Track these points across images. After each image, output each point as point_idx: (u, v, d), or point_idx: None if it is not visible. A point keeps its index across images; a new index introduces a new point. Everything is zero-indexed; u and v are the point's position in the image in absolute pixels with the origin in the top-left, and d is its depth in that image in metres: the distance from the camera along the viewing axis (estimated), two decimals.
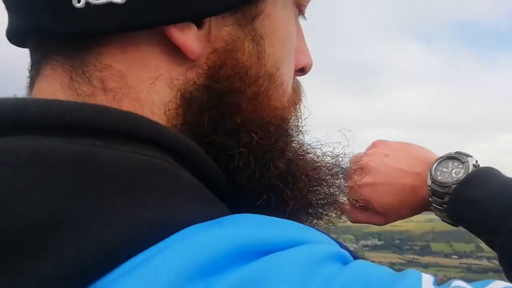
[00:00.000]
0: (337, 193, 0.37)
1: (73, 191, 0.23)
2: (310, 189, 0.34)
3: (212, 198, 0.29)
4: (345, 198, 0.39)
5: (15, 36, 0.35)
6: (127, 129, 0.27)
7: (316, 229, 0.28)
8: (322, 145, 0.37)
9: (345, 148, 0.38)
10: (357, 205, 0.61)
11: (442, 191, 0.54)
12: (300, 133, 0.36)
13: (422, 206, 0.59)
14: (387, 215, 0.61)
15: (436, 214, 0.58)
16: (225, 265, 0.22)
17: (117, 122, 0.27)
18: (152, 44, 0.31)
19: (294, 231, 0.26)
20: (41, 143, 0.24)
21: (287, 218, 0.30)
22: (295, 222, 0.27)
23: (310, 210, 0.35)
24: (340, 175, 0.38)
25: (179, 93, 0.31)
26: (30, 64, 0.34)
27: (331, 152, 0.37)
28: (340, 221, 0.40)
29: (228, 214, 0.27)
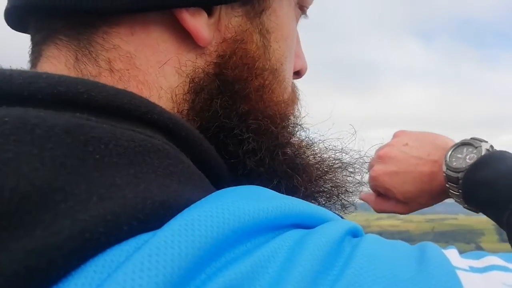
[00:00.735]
0: (343, 184, 0.37)
1: (67, 162, 0.20)
2: (318, 178, 0.35)
3: (211, 188, 0.27)
4: (352, 190, 0.39)
5: (15, 16, 0.33)
6: (125, 107, 0.25)
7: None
8: (325, 140, 0.37)
9: (349, 143, 0.38)
10: (378, 193, 0.63)
11: (456, 176, 0.55)
12: (301, 129, 0.37)
13: (441, 193, 0.60)
14: (408, 203, 0.62)
15: (456, 201, 0.58)
16: (248, 238, 0.20)
17: (114, 99, 0.25)
18: (162, 28, 0.31)
19: (310, 206, 0.25)
20: (30, 113, 0.22)
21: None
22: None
23: (318, 199, 0.36)
24: (345, 168, 0.38)
25: (187, 79, 0.31)
26: (31, 47, 0.33)
27: (334, 146, 0.38)
28: (346, 212, 0.40)
29: None
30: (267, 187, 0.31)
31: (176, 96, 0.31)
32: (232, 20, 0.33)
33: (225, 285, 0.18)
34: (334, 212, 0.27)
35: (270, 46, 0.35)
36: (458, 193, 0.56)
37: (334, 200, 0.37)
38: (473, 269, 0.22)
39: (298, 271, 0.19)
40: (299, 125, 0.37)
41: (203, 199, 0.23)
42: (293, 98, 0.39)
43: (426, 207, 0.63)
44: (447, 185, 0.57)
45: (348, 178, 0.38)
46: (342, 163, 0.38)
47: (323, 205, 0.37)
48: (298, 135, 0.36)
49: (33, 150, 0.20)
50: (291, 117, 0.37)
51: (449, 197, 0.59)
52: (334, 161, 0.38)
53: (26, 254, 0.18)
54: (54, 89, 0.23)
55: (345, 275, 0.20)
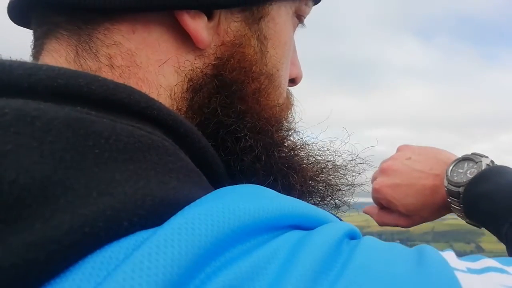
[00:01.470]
0: (336, 185, 0.38)
1: (67, 156, 0.20)
2: (311, 178, 0.35)
3: (209, 186, 0.27)
4: (346, 190, 0.40)
5: (18, 10, 0.34)
6: (125, 102, 0.25)
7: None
8: (318, 142, 0.38)
9: (343, 144, 0.39)
10: (381, 206, 0.65)
11: (457, 190, 0.56)
12: (294, 132, 0.38)
13: (443, 207, 0.61)
14: (411, 216, 0.63)
15: (458, 215, 0.59)
16: (247, 237, 0.20)
17: (114, 93, 0.25)
18: (163, 28, 0.32)
19: (309, 206, 0.25)
20: (29, 105, 0.21)
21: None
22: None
23: (312, 199, 0.36)
24: (338, 169, 0.39)
25: (186, 79, 0.32)
26: (33, 41, 0.34)
27: (328, 148, 0.38)
28: (341, 212, 0.41)
29: None
30: (263, 184, 0.31)
31: (174, 94, 0.32)
32: (231, 24, 0.34)
33: (225, 284, 0.18)
34: (333, 214, 0.27)
35: (267, 52, 0.36)
36: (459, 208, 0.57)
37: (327, 200, 0.38)
38: (470, 271, 0.22)
39: (298, 272, 0.19)
40: (293, 129, 0.38)
41: (203, 197, 0.23)
42: (288, 104, 0.40)
43: (428, 221, 0.63)
44: (448, 199, 0.58)
45: (341, 179, 0.39)
46: (335, 164, 0.39)
47: (317, 205, 0.37)
48: (292, 138, 0.37)
49: (32, 143, 0.20)
50: (285, 122, 0.38)
51: (451, 211, 0.60)
52: (327, 162, 0.38)
53: (25, 247, 0.17)
54: (54, 82, 0.23)
55: (344, 275, 0.20)
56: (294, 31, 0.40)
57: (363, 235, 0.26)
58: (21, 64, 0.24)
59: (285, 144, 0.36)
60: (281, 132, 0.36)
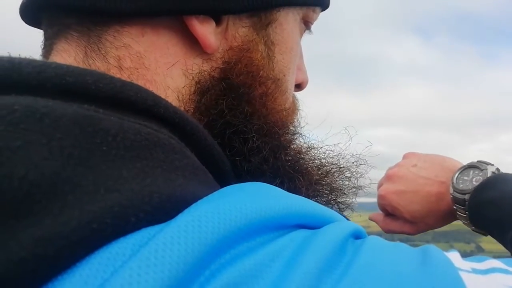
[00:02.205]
0: (341, 188, 0.39)
1: (75, 153, 0.21)
2: (316, 181, 0.36)
3: (215, 184, 0.27)
4: (349, 193, 0.40)
5: (30, 11, 0.34)
6: (132, 99, 0.25)
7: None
8: (323, 145, 0.39)
9: (346, 146, 0.40)
10: (386, 213, 0.65)
11: (462, 197, 0.56)
12: (300, 136, 0.38)
13: (449, 215, 0.61)
14: (416, 223, 0.63)
15: (463, 223, 0.59)
16: (253, 235, 0.20)
17: (122, 90, 0.25)
18: (172, 32, 0.32)
19: (316, 205, 0.25)
20: (38, 102, 0.22)
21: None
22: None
23: (318, 202, 0.36)
24: (342, 172, 0.39)
25: (194, 81, 0.33)
26: (43, 42, 0.34)
27: (332, 151, 0.39)
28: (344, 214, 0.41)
29: None
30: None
31: (182, 96, 0.33)
32: (239, 30, 0.34)
33: (229, 281, 0.18)
34: (340, 213, 0.27)
35: (274, 57, 0.36)
36: (465, 215, 0.57)
37: (331, 203, 0.38)
38: (475, 271, 0.22)
39: (302, 270, 0.19)
40: (299, 133, 0.39)
41: (210, 195, 0.23)
42: (294, 109, 0.41)
43: (434, 228, 0.63)
44: (454, 206, 0.58)
45: (345, 182, 0.39)
46: (339, 167, 0.39)
47: None
48: (297, 141, 0.38)
49: (42, 140, 0.20)
50: (291, 126, 0.38)
51: (456, 219, 0.60)
52: (331, 166, 0.39)
53: (34, 242, 0.18)
54: (63, 79, 0.24)
55: (349, 274, 0.20)
56: (301, 37, 0.41)
57: None
58: (30, 62, 0.24)
59: (291, 147, 0.36)
60: (288, 136, 0.36)
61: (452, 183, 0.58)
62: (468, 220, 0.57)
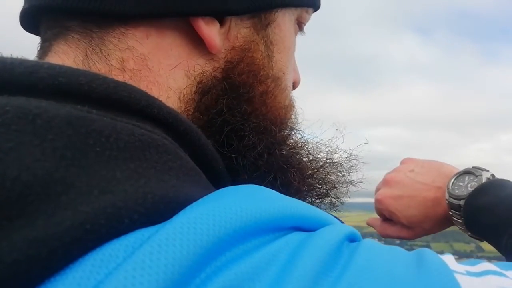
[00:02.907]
0: (333, 182, 0.40)
1: (68, 154, 0.21)
2: (310, 175, 0.37)
3: (209, 185, 0.27)
4: (342, 188, 0.41)
5: (29, 15, 0.34)
6: (125, 100, 0.25)
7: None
8: (317, 140, 0.40)
9: (339, 143, 0.41)
10: (384, 218, 0.66)
11: (458, 203, 0.57)
12: (297, 132, 0.39)
13: (445, 220, 0.61)
14: (413, 228, 0.64)
15: (460, 229, 0.60)
16: (249, 238, 0.20)
17: (115, 91, 0.25)
18: (177, 33, 0.33)
19: (310, 208, 0.25)
20: (31, 103, 0.22)
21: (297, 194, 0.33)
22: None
23: (310, 196, 0.38)
24: (335, 167, 0.40)
25: (195, 82, 0.34)
26: (40, 43, 0.34)
27: (326, 146, 0.40)
28: (338, 210, 0.42)
29: None
30: (264, 181, 0.33)
31: (183, 96, 0.33)
32: (241, 30, 0.35)
33: (225, 284, 0.18)
34: (334, 216, 0.27)
35: (274, 56, 0.38)
36: (460, 221, 0.58)
37: (324, 197, 0.39)
38: (470, 273, 0.23)
39: (298, 273, 0.19)
40: (295, 129, 0.40)
41: (205, 197, 0.23)
42: (291, 106, 0.41)
43: (431, 233, 0.64)
44: (450, 212, 0.59)
45: (338, 177, 0.40)
46: (332, 162, 0.40)
47: (314, 202, 0.39)
48: (293, 137, 0.39)
49: (34, 141, 0.20)
50: (289, 122, 0.39)
51: (453, 224, 0.60)
52: (325, 160, 0.40)
53: (27, 243, 0.18)
54: (55, 80, 0.24)
55: (345, 276, 0.20)
56: (295, 37, 0.42)
57: (363, 235, 0.26)
58: (22, 62, 0.24)
59: (287, 143, 0.37)
60: (284, 132, 0.37)
61: (448, 188, 0.58)
62: (463, 225, 0.58)
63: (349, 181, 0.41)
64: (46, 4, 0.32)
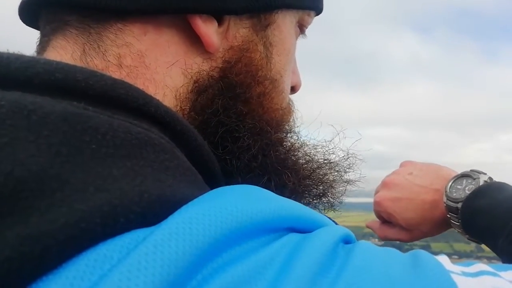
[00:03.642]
0: (330, 183, 0.39)
1: (63, 151, 0.20)
2: (306, 176, 0.37)
3: (204, 185, 0.27)
4: (339, 188, 0.41)
5: (29, 8, 0.34)
6: (122, 98, 0.25)
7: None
8: (315, 142, 0.40)
9: (337, 142, 0.41)
10: (383, 220, 0.66)
11: (455, 206, 0.57)
12: (294, 133, 0.39)
13: (443, 223, 0.61)
14: (411, 231, 0.64)
15: (458, 231, 0.60)
16: (245, 239, 0.20)
17: (112, 88, 0.25)
18: (174, 31, 0.33)
19: (306, 209, 0.25)
20: (26, 98, 0.21)
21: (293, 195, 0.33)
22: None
23: (307, 197, 0.38)
24: (332, 168, 0.40)
25: (192, 80, 0.33)
26: (39, 38, 0.34)
27: (323, 147, 0.40)
28: (336, 217, 0.41)
29: None
30: (259, 183, 0.32)
31: (180, 95, 0.33)
32: (240, 30, 0.35)
33: (222, 287, 0.18)
34: (329, 218, 0.27)
35: (272, 58, 0.37)
36: (458, 223, 0.58)
37: (321, 197, 0.39)
38: (465, 274, 0.23)
39: (296, 274, 0.19)
40: (293, 131, 0.40)
41: (200, 197, 0.23)
42: (289, 109, 0.41)
43: (429, 236, 0.64)
44: (448, 215, 0.59)
45: (335, 177, 0.40)
46: (330, 162, 0.40)
47: (311, 203, 0.39)
48: (290, 139, 0.38)
49: (29, 136, 0.20)
50: (286, 125, 0.39)
51: (451, 227, 0.61)
52: (322, 161, 0.39)
53: (20, 240, 0.17)
54: (52, 76, 0.23)
55: (342, 277, 0.20)
56: (296, 40, 0.42)
57: (363, 236, 0.26)
58: (18, 57, 0.24)
59: (283, 144, 0.37)
60: (281, 134, 0.37)
61: (445, 191, 0.59)
62: (461, 228, 0.58)
63: (347, 180, 0.41)
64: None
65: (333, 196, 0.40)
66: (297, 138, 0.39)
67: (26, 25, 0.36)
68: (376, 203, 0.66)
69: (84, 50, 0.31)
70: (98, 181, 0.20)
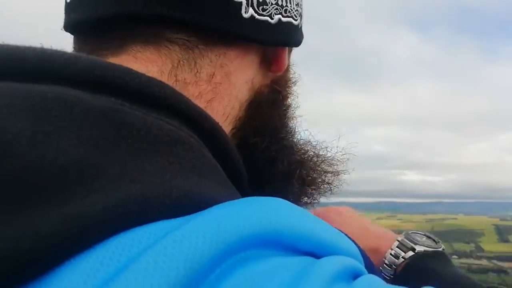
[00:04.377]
0: (331, 179, 0.44)
1: (102, 143, 0.22)
2: (317, 172, 0.43)
3: (230, 185, 0.29)
4: (331, 180, 0.46)
5: (111, 22, 0.34)
6: (155, 95, 0.27)
7: (342, 232, 0.28)
8: (319, 142, 0.45)
9: (335, 142, 0.45)
10: None
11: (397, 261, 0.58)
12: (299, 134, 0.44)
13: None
14: None
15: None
16: (265, 246, 0.21)
17: (146, 86, 0.27)
18: (256, 55, 0.38)
19: (328, 232, 0.26)
20: (69, 92, 0.23)
21: (298, 197, 0.39)
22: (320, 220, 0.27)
23: (314, 191, 0.43)
24: (332, 164, 0.45)
25: (253, 94, 0.39)
26: (91, 46, 0.34)
27: (324, 146, 0.45)
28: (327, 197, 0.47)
29: None
30: (277, 185, 0.37)
31: (243, 107, 0.38)
32: (288, 55, 0.42)
33: (239, 280, 0.19)
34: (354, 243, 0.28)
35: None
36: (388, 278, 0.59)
37: (322, 187, 0.44)
38: None
39: None
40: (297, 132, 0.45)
41: (236, 200, 0.24)
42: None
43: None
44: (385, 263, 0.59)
45: (327, 168, 0.44)
46: (324, 158, 0.44)
47: (315, 191, 0.43)
48: (300, 141, 0.44)
49: (71, 127, 0.22)
50: (295, 129, 0.45)
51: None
52: (324, 157, 0.44)
53: (61, 219, 0.19)
54: (91, 73, 0.25)
55: None
56: None
57: None
58: (62, 54, 0.26)
59: (295, 147, 0.42)
60: (292, 136, 0.42)
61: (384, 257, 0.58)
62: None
63: (336, 172, 0.45)
64: (148, 13, 0.33)
65: (332, 185, 0.45)
66: (301, 138, 0.44)
67: (73, 32, 0.37)
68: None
69: (177, 65, 0.34)
70: (133, 173, 0.22)
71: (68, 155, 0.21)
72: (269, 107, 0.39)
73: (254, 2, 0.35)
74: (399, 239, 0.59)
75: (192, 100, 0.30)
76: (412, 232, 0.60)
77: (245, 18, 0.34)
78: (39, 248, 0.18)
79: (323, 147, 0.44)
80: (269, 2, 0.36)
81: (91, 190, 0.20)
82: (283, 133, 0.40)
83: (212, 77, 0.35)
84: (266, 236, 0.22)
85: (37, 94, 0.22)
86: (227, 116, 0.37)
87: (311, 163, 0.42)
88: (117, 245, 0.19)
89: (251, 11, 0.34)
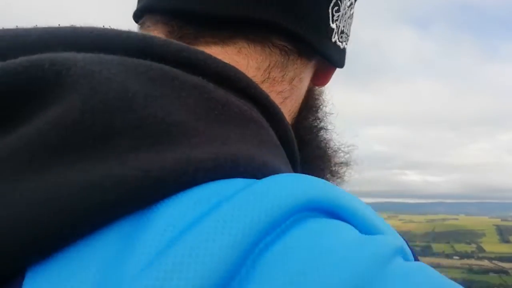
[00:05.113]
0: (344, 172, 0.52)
1: (196, 110, 0.27)
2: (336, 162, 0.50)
3: (287, 160, 0.33)
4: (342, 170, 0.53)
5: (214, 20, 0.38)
6: (232, 79, 0.31)
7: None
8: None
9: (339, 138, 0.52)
10: None
11: None
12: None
13: None
14: None
15: None
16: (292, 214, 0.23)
17: (224, 69, 0.31)
18: (312, 69, 0.45)
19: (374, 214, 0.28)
20: (167, 68, 0.28)
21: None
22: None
23: (334, 177, 0.50)
24: (344, 158, 0.51)
25: (304, 99, 0.47)
26: (188, 34, 0.38)
27: (338, 141, 0.51)
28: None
29: None
30: (313, 170, 0.45)
31: (297, 107, 0.45)
32: None
33: (292, 239, 0.22)
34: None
35: None
36: None
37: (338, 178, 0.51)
38: None
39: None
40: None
41: (290, 173, 0.26)
42: None
43: None
44: None
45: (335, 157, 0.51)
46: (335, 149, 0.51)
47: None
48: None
49: (173, 94, 0.27)
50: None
51: None
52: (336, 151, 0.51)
53: (176, 161, 0.23)
54: (180, 54, 0.30)
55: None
56: None
57: None
58: (158, 38, 0.31)
59: (329, 141, 0.50)
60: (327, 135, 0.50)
61: None
62: None
63: (344, 162, 0.52)
64: (264, 19, 0.38)
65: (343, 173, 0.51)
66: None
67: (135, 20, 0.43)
68: None
69: (274, 65, 0.40)
70: (222, 138, 0.26)
71: (172, 116, 0.25)
72: (313, 110, 0.48)
73: (339, 31, 0.44)
74: None
75: (275, 94, 0.40)
76: None
77: (332, 42, 0.43)
78: (164, 177, 0.22)
79: (337, 144, 0.51)
80: (345, 32, 0.45)
81: (193, 145, 0.25)
82: (320, 132, 0.48)
83: (293, 80, 0.42)
84: (324, 204, 0.24)
85: (143, 65, 0.27)
86: (291, 113, 0.44)
87: (335, 158, 0.50)
88: (213, 188, 0.23)
89: (336, 37, 0.43)
